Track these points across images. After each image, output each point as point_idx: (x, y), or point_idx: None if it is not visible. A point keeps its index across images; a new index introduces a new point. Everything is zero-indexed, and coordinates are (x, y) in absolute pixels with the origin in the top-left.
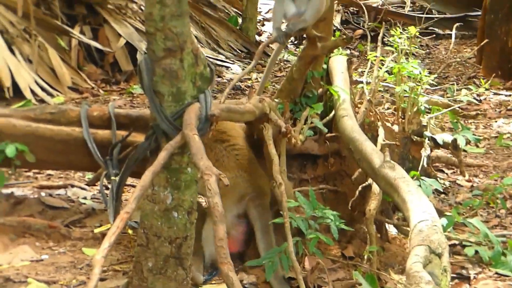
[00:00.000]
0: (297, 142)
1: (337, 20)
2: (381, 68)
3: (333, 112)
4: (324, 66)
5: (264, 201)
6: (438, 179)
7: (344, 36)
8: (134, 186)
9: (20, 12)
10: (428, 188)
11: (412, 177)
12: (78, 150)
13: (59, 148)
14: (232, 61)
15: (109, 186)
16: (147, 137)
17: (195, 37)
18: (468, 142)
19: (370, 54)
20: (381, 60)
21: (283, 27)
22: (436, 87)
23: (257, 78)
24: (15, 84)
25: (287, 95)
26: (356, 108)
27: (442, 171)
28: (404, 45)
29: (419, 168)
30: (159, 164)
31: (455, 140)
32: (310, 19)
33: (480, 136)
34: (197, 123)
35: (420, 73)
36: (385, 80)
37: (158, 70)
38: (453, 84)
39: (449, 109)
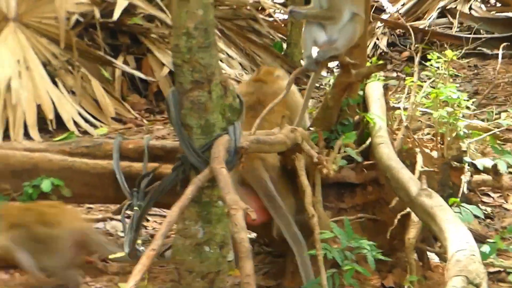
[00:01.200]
0: (329, 172)
1: (383, 42)
2: (418, 93)
3: (369, 140)
4: (361, 92)
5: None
6: (482, 204)
7: (379, 63)
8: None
9: (62, 44)
10: (468, 215)
11: (452, 204)
12: (114, 183)
13: (95, 181)
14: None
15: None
16: (174, 168)
17: (240, 64)
18: (510, 166)
19: (407, 79)
20: (420, 85)
21: (314, 53)
22: (477, 111)
23: None
24: (58, 116)
25: (322, 123)
26: (394, 135)
27: (488, 195)
28: (442, 69)
29: (459, 195)
30: (187, 198)
31: (495, 166)
32: (342, 48)
33: None
34: (226, 156)
35: (459, 97)
36: (423, 105)
37: (186, 103)
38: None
39: (489, 133)
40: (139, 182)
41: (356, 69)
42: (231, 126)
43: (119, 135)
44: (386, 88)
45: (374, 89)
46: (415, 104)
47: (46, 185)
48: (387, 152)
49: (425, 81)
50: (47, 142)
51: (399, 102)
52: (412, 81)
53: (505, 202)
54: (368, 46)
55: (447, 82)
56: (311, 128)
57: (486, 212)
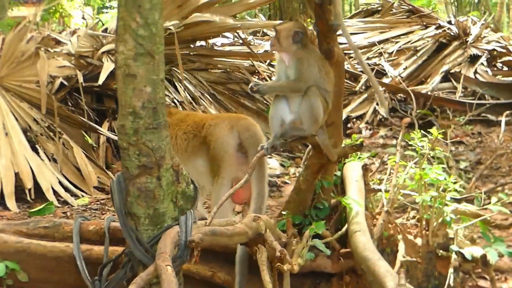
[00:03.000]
0: (293, 269)
1: (383, 108)
2: (401, 174)
3: (346, 226)
4: (338, 173)
5: None
6: None
7: (355, 143)
8: None
9: (44, 109)
10: None
11: None
12: (73, 268)
13: (52, 265)
14: (270, 156)
15: None
16: (122, 265)
17: None
18: (501, 256)
19: (390, 159)
20: (404, 165)
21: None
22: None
23: (294, 173)
24: (37, 185)
25: (295, 207)
26: (374, 220)
27: (485, 278)
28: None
29: (445, 286)
30: None
31: (484, 256)
32: (309, 129)
33: None
34: (174, 251)
35: (445, 179)
36: (407, 187)
37: (133, 190)
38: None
39: (479, 219)
40: (101, 270)
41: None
42: (183, 216)
43: (79, 216)
44: (365, 168)
45: (352, 170)
46: (397, 186)
47: (0, 268)
48: (363, 241)
49: (410, 161)
50: (4, 221)
51: (381, 183)
52: (394, 161)
53: (505, 286)
54: (367, 111)
55: (434, 163)
56: (283, 212)
57: None
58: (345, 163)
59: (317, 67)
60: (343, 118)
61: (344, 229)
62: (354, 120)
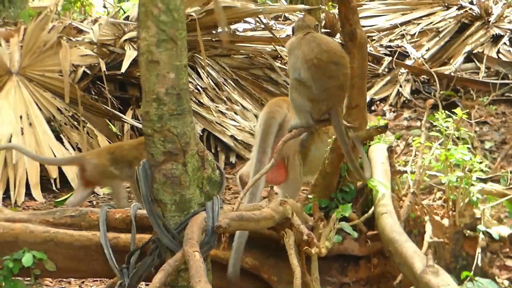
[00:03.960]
0: (320, 252)
1: (406, 90)
2: (426, 155)
3: (372, 208)
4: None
5: None
6: (505, 270)
7: (380, 125)
8: None
9: (67, 98)
10: None
11: (465, 279)
12: (101, 257)
13: (80, 254)
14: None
15: None
16: (150, 252)
17: (255, 116)
18: None
19: (415, 141)
20: (429, 146)
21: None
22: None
23: None
24: (62, 174)
25: (321, 191)
26: (400, 202)
27: None
28: (451, 130)
29: (473, 267)
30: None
31: (511, 235)
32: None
33: None
34: (201, 237)
35: (471, 159)
36: (433, 168)
37: (159, 177)
38: None
39: (506, 198)
40: (128, 258)
41: (355, 132)
42: (210, 202)
43: (106, 204)
44: (391, 150)
45: (377, 152)
46: (423, 167)
47: (27, 259)
48: (390, 223)
49: (435, 142)
50: (30, 211)
51: (406, 165)
52: (419, 142)
53: None
54: (391, 94)
55: (459, 143)
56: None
57: (504, 286)
58: (370, 145)
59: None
60: (367, 100)
61: (370, 211)
62: (378, 102)
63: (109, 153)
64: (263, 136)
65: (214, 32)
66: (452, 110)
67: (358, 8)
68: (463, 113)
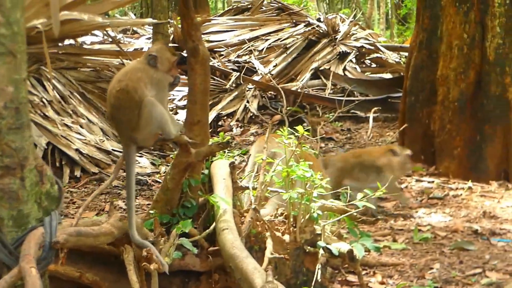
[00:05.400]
0: (159, 267)
1: (254, 105)
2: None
3: (214, 224)
4: (206, 171)
5: None
6: (346, 284)
7: (221, 141)
8: None
9: None
10: None
11: None
12: None
13: None
14: (140, 153)
15: None
16: None
17: (101, 129)
18: (368, 251)
19: (257, 157)
20: (270, 162)
21: None
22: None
23: (165, 172)
24: None
25: (163, 206)
26: (242, 218)
27: (354, 273)
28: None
29: (313, 282)
30: None
31: (351, 251)
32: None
33: (400, 229)
34: (38, 252)
35: (312, 176)
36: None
37: None
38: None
39: (346, 215)
40: None
41: (196, 148)
42: (48, 217)
43: None
44: (233, 166)
45: (219, 168)
46: (265, 183)
47: None
48: (231, 239)
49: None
50: None
51: (248, 181)
52: (262, 159)
53: (373, 280)
54: (238, 109)
55: (300, 160)
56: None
57: None
58: (212, 161)
59: None
60: (214, 116)
61: (212, 227)
62: (225, 117)
63: None
64: None
65: (60, 44)
66: (298, 126)
67: (206, 23)
68: (307, 130)
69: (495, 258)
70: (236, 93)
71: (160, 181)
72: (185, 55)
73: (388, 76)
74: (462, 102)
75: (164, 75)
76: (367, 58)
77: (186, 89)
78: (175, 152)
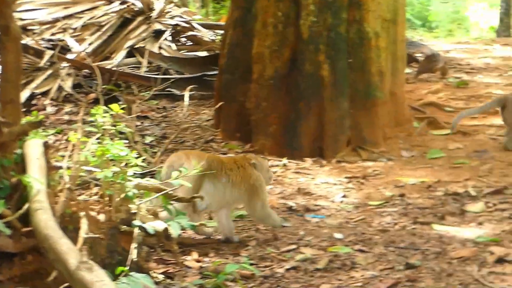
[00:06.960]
0: None
1: (68, 84)
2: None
3: (27, 205)
4: (19, 151)
5: None
6: (162, 263)
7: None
8: None
9: None
10: (138, 285)
11: (120, 274)
12: None
13: None
14: None
15: None
16: None
17: None
18: (184, 229)
19: (72, 135)
20: (85, 141)
21: None
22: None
23: None
24: None
25: None
26: (56, 198)
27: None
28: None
29: (128, 262)
30: None
31: (166, 230)
32: None
33: None
34: None
35: (127, 155)
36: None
37: None
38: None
39: (161, 193)
40: None
41: (8, 127)
42: None
43: None
44: (47, 146)
45: (33, 147)
46: (80, 163)
47: None
48: (44, 219)
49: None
50: None
51: (63, 161)
52: (76, 138)
53: (189, 258)
54: (52, 88)
55: (115, 139)
56: None
57: (158, 280)
58: (25, 140)
59: None
60: (28, 95)
61: (25, 207)
62: (39, 97)
63: None
64: None
65: None
66: (113, 104)
67: (19, 1)
68: (123, 108)
69: (310, 234)
70: (50, 71)
71: None
72: None
73: (204, 54)
74: (277, 80)
75: None
76: (182, 36)
77: None
78: None
